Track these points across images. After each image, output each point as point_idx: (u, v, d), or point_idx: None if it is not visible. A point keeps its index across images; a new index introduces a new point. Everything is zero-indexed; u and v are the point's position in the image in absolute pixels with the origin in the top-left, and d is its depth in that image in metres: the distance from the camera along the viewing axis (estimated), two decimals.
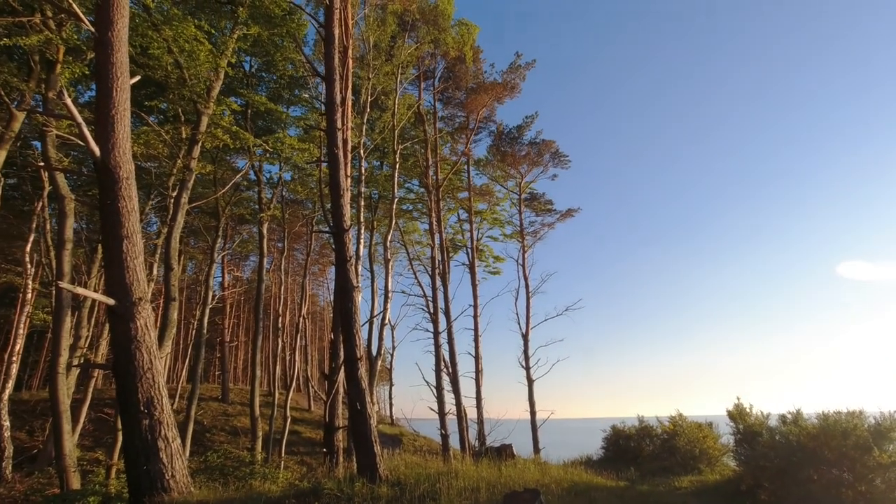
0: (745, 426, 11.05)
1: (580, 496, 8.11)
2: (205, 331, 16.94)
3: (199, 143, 12.66)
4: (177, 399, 24.65)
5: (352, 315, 8.46)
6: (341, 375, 11.78)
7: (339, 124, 9.02)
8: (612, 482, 10.61)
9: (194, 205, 15.52)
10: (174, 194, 12.83)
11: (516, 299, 22.62)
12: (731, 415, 11.65)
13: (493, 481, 8.10)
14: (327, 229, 10.44)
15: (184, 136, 13.83)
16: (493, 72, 21.62)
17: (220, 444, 19.86)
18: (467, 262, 21.46)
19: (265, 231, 17.61)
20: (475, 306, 19.82)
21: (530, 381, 21.19)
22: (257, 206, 19.00)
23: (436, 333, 16.36)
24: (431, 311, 17.01)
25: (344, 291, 8.63)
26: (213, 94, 12.66)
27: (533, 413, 20.71)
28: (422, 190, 21.44)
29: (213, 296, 19.84)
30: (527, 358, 21.54)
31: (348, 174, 11.31)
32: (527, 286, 22.91)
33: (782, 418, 10.26)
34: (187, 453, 12.54)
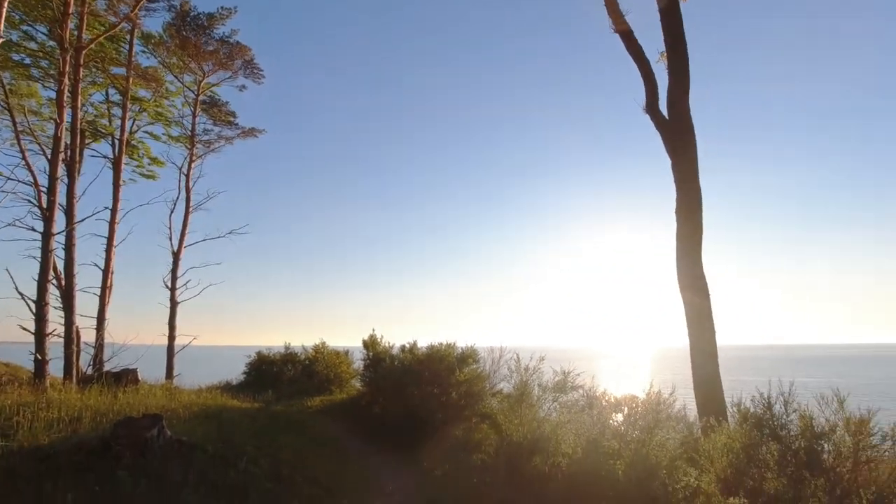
0: (374, 353, 12.84)
1: (210, 419, 7.78)
2: None
3: None
4: None
5: None
6: None
7: None
8: (248, 404, 10.66)
9: None
10: None
11: (172, 212, 19.64)
12: (365, 344, 13.33)
13: (105, 409, 6.88)
14: None
15: None
16: None
17: None
18: (112, 157, 17.17)
19: None
20: (115, 210, 16.17)
21: (174, 303, 18.99)
22: None
23: (47, 235, 12.48)
24: (45, 205, 12.86)
25: None
26: None
27: (172, 338, 18.70)
28: (52, 44, 15.63)
29: None
30: (174, 278, 19.16)
31: None
32: (188, 199, 20.20)
33: (402, 347, 12.40)
34: None
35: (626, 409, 6.55)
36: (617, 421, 6.51)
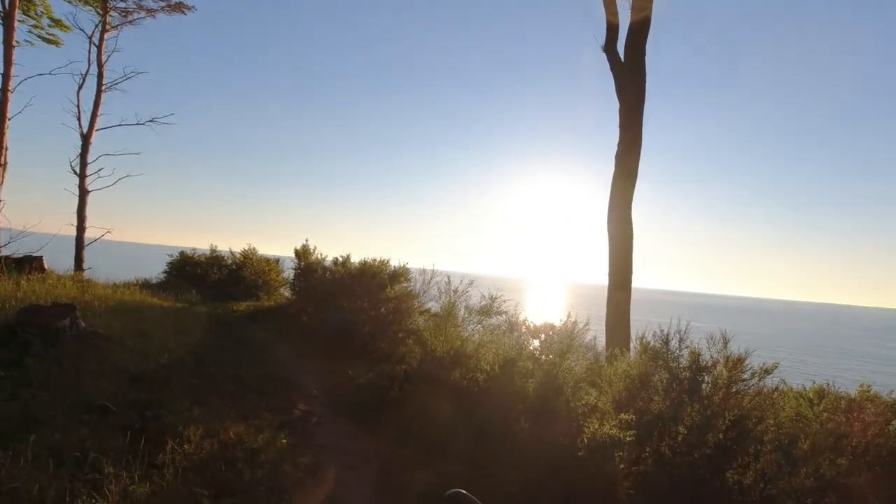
0: (306, 263, 12.72)
1: (128, 314, 7.52)
2: None
3: None
4: None
5: None
6: None
7: None
8: (170, 303, 10.35)
9: None
10: None
11: (80, 87, 17.30)
12: (297, 253, 13.13)
13: (6, 296, 6.42)
14: None
15: None
16: None
17: None
18: (1, 9, 14.64)
19: None
20: (6, 76, 13.98)
21: (84, 192, 17.34)
22: None
23: None
24: None
25: None
26: None
27: (81, 228, 17.25)
28: None
29: None
30: (83, 164, 17.32)
31: None
32: (100, 74, 17.80)
33: (335, 260, 12.37)
34: None
35: (543, 335, 7.10)
36: (534, 345, 7.07)
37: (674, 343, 5.59)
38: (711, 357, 5.24)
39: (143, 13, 19.62)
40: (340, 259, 12.22)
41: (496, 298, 7.96)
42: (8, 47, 14.31)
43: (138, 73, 18.92)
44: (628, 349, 7.30)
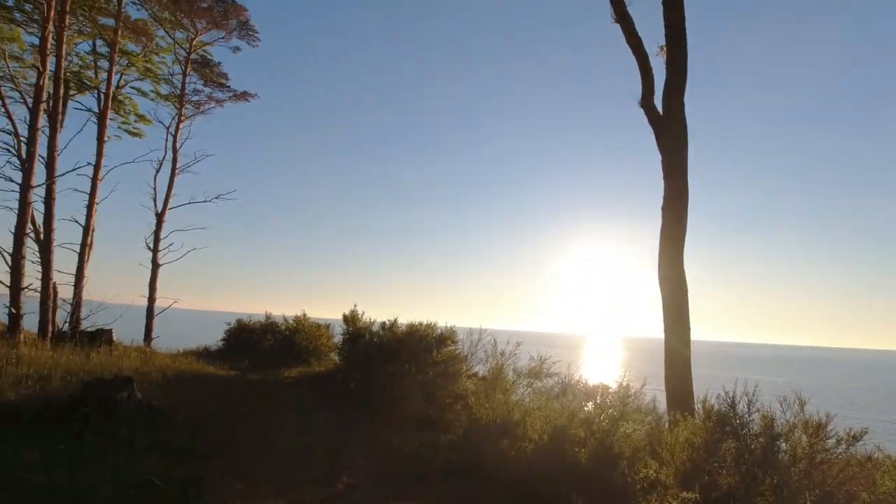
0: (355, 328, 12.83)
1: (183, 385, 7.78)
2: None
3: None
4: None
5: None
6: None
7: None
8: (224, 371, 10.67)
9: None
10: None
11: (157, 172, 19.27)
12: (345, 318, 13.31)
13: (76, 369, 6.83)
14: None
15: None
16: None
17: None
18: (97, 110, 16.68)
19: None
20: (98, 166, 15.75)
21: (156, 265, 18.79)
22: None
23: (26, 187, 12.19)
24: (24, 156, 12.52)
25: None
26: None
27: (152, 300, 18.54)
28: None
29: None
30: (157, 240, 18.91)
31: None
32: (175, 160, 19.78)
33: (383, 325, 12.42)
34: None
35: (597, 398, 6.68)
36: (588, 409, 6.64)
37: (741, 406, 5.09)
38: (787, 421, 4.70)
39: (213, 104, 21.94)
40: (388, 323, 12.27)
41: (545, 360, 7.64)
42: (100, 143, 16.17)
43: (207, 156, 20.86)
44: (692, 412, 6.71)
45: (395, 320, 11.92)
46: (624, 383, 6.34)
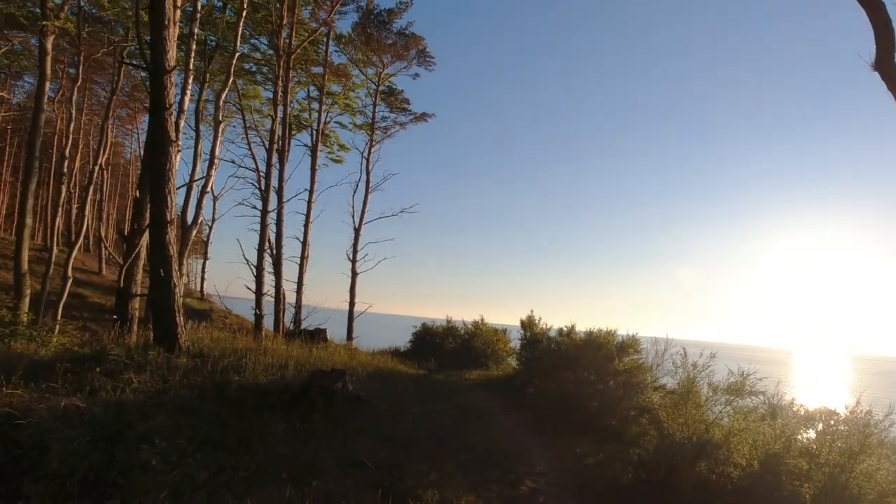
0: (532, 334, 12.99)
1: (382, 380, 8.81)
2: None
3: None
4: None
5: (165, 172, 7.30)
6: (145, 239, 10.36)
7: None
8: (413, 370, 11.76)
9: None
10: None
11: (354, 192, 22.23)
12: (522, 324, 13.56)
13: (303, 360, 8.25)
14: (143, 65, 8.53)
15: None
16: None
17: None
18: (310, 144, 20.03)
19: (50, 46, 13.64)
20: (311, 191, 18.92)
21: (354, 274, 21.61)
22: (38, 10, 14.49)
23: (264, 212, 15.27)
24: (263, 187, 15.70)
25: (158, 144, 7.34)
26: None
27: (352, 304, 21.38)
28: (270, 52, 18.73)
29: None
30: (355, 251, 21.76)
31: (178, 3, 9.22)
32: (367, 181, 22.56)
33: (560, 331, 12.30)
34: None
35: (820, 424, 5.63)
36: (808, 437, 5.64)
37: None
38: None
39: (397, 127, 24.55)
40: (565, 329, 12.10)
41: (749, 375, 6.71)
42: (313, 171, 19.41)
43: (393, 175, 23.38)
44: None
45: (573, 326, 11.70)
46: (860, 409, 5.23)
